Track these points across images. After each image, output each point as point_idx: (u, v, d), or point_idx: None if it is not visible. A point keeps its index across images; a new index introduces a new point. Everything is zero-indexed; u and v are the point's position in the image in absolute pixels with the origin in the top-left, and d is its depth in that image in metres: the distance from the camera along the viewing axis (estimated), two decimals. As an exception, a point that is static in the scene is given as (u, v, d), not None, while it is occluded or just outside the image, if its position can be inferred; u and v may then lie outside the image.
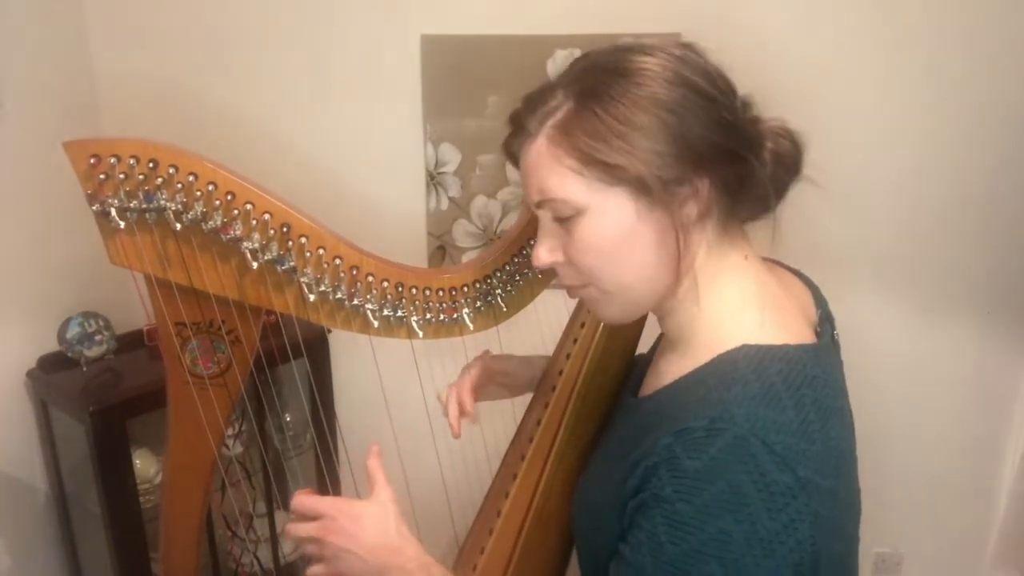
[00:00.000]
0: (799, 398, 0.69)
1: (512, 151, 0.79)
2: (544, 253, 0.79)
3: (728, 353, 0.72)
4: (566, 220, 0.75)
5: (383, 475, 0.85)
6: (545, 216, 0.77)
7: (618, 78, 0.72)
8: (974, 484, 2.02)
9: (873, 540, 2.03)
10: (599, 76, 0.74)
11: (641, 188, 0.71)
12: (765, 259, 0.86)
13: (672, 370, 0.77)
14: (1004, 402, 1.96)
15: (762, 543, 0.65)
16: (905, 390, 1.90)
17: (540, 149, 0.74)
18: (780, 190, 0.79)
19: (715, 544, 0.65)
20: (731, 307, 0.76)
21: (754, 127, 0.76)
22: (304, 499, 0.83)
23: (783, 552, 0.65)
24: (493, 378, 1.08)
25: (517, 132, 0.77)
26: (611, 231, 0.73)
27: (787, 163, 0.78)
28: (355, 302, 0.90)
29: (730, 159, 0.73)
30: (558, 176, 0.73)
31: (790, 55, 1.66)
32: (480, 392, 1.06)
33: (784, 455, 0.65)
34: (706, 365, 0.73)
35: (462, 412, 1.02)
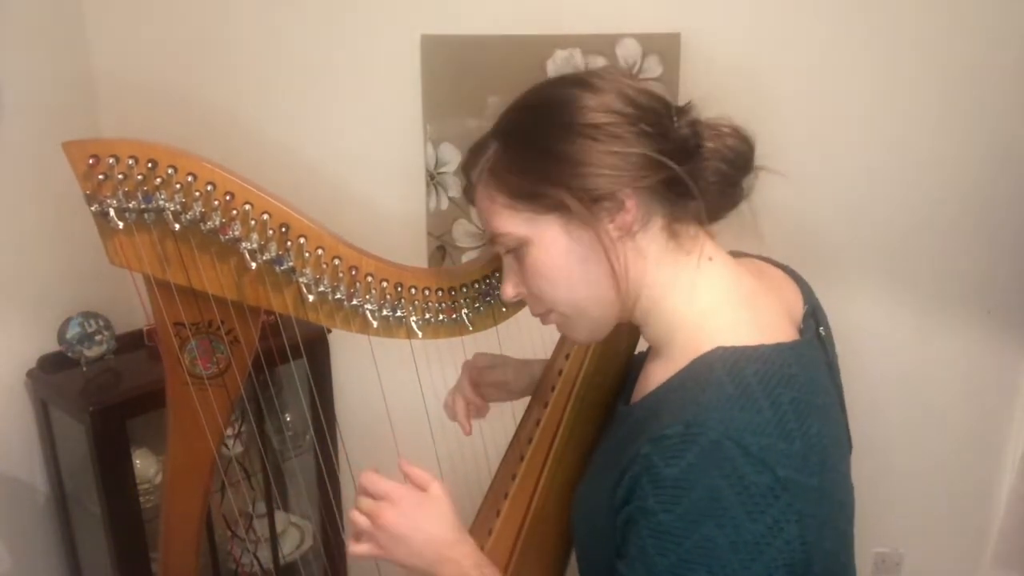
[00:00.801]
0: (775, 398, 0.68)
1: (471, 199, 0.84)
2: (509, 288, 0.84)
3: (704, 356, 0.72)
4: (516, 253, 0.80)
5: (426, 473, 0.85)
6: (502, 253, 0.82)
7: (532, 113, 0.78)
8: (974, 484, 2.02)
9: (873, 540, 2.03)
10: (517, 115, 0.80)
11: (565, 211, 0.75)
12: (747, 256, 0.86)
13: (657, 376, 0.77)
14: (1004, 402, 1.96)
15: (747, 547, 0.64)
16: (905, 390, 1.90)
17: (481, 194, 0.80)
18: (731, 186, 0.79)
19: (701, 552, 0.65)
20: (704, 309, 0.76)
21: (690, 129, 0.77)
22: (374, 477, 0.84)
23: (771, 554, 0.65)
24: (483, 377, 1.10)
25: (467, 182, 0.83)
26: (550, 256, 0.77)
27: (731, 159, 0.78)
28: (354, 302, 0.90)
29: (654, 168, 0.73)
30: (496, 214, 0.79)
31: (789, 55, 1.65)
32: (479, 391, 1.08)
33: (761, 456, 0.65)
34: (684, 370, 0.73)
35: (470, 411, 1.05)
